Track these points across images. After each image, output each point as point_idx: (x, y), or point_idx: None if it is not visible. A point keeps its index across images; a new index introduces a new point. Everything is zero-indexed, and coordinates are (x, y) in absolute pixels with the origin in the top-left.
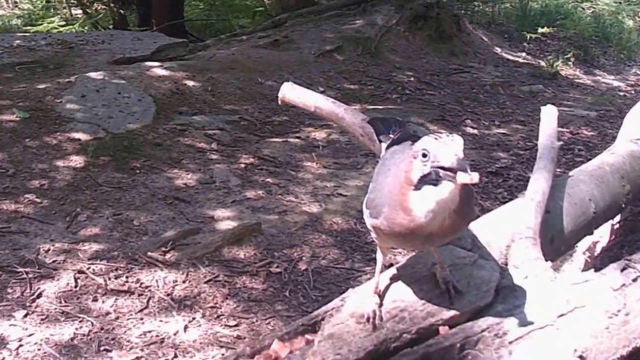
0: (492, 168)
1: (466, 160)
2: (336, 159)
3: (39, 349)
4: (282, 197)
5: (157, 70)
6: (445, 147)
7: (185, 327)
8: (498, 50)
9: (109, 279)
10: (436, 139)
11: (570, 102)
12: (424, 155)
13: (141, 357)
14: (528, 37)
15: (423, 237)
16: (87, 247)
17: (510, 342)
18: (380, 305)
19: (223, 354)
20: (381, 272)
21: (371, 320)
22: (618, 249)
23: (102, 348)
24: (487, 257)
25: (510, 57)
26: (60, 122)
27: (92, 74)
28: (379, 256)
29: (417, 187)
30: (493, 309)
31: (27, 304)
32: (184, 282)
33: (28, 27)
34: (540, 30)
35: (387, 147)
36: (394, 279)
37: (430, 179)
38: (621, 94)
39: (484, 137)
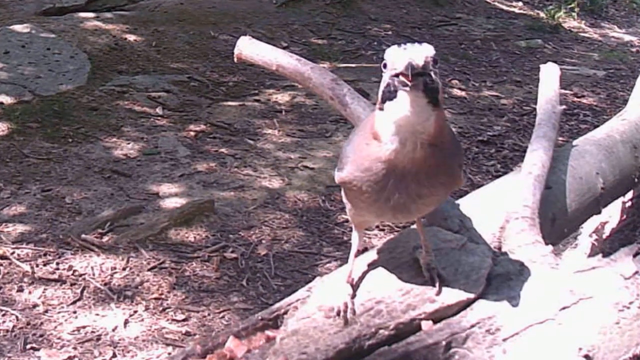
0: (483, 136)
1: (431, 67)
2: (301, 126)
3: None
4: (238, 171)
5: (93, 22)
6: (401, 53)
7: (126, 322)
8: None
9: (37, 265)
10: (398, 46)
11: (574, 59)
12: (384, 66)
13: (74, 356)
14: None
15: (395, 185)
16: (11, 228)
17: (504, 339)
18: (354, 296)
19: (169, 353)
20: (356, 256)
21: (342, 314)
22: (630, 231)
23: (28, 346)
24: (478, 240)
25: (505, 7)
26: None
27: (17, 27)
28: (354, 238)
29: (381, 107)
30: (484, 300)
31: None
32: (123, 269)
33: None
34: None
35: None
36: (369, 265)
37: (388, 93)
38: (633, 50)
39: (474, 100)
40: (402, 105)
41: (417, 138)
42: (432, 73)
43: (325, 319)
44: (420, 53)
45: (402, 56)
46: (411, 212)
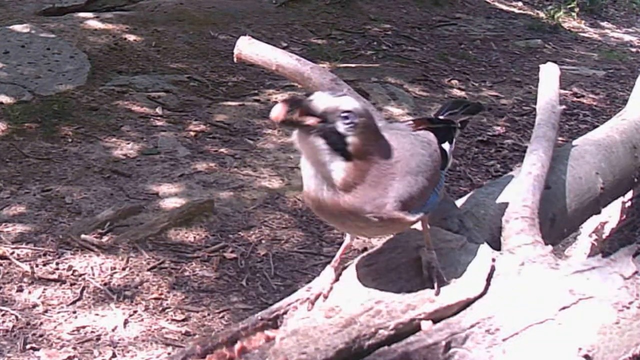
0: (482, 136)
1: (335, 118)
2: None
3: None
4: (237, 171)
5: (93, 22)
6: (317, 97)
7: (125, 322)
8: None
9: (37, 265)
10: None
11: (573, 59)
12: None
13: (74, 356)
14: None
15: (331, 216)
16: (11, 228)
17: (504, 339)
18: (335, 281)
19: (169, 353)
20: (347, 246)
21: (313, 297)
22: (630, 231)
23: (28, 346)
24: (477, 240)
25: (504, 7)
26: None
27: (17, 27)
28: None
29: None
30: (484, 300)
31: None
32: (123, 269)
33: None
34: None
35: None
36: (369, 265)
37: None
38: (633, 50)
39: (474, 99)
40: (300, 147)
41: (320, 182)
42: (337, 124)
43: (325, 318)
44: (325, 102)
45: (314, 101)
46: (369, 236)
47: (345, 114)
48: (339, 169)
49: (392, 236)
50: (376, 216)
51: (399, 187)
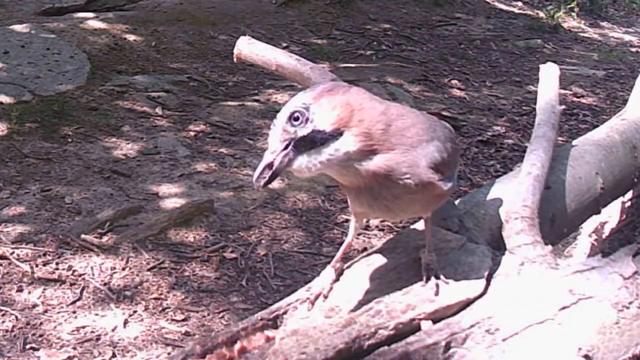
0: (482, 136)
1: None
2: None
3: None
4: (237, 171)
5: (93, 22)
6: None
7: (125, 322)
8: None
9: (36, 265)
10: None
11: (573, 59)
12: None
13: (74, 356)
14: None
15: (365, 193)
16: (10, 228)
17: (504, 339)
18: (335, 281)
19: (169, 353)
20: (347, 246)
21: (313, 297)
22: (629, 231)
23: (28, 346)
24: (477, 240)
25: (504, 7)
26: None
27: (16, 27)
28: (351, 227)
29: None
30: (484, 300)
31: None
32: (123, 269)
33: None
34: None
35: None
36: (368, 265)
37: None
38: (633, 49)
39: (474, 100)
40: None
41: (352, 169)
42: (297, 133)
43: (325, 319)
44: (275, 133)
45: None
46: (399, 213)
47: (293, 121)
48: (343, 147)
49: (392, 236)
50: (411, 177)
51: (428, 149)
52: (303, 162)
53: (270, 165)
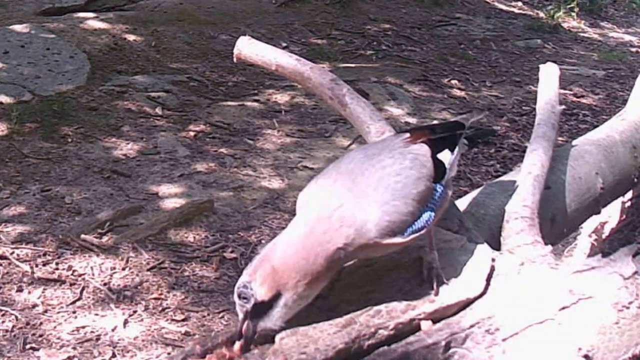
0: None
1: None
2: (301, 126)
3: None
4: (237, 171)
5: (92, 22)
6: None
7: (125, 322)
8: None
9: (36, 265)
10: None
11: (573, 59)
12: None
13: (74, 356)
14: None
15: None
16: (10, 228)
17: (504, 339)
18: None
19: (169, 353)
20: None
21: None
22: (629, 231)
23: (28, 346)
24: (477, 240)
25: (504, 7)
26: None
27: (16, 27)
28: None
29: None
30: (484, 300)
31: None
32: (123, 269)
33: None
34: None
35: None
36: (368, 265)
37: None
38: (633, 50)
39: (473, 100)
40: None
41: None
42: (245, 308)
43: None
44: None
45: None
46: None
47: (241, 300)
48: (288, 303)
49: None
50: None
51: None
52: (267, 324)
53: (240, 335)
